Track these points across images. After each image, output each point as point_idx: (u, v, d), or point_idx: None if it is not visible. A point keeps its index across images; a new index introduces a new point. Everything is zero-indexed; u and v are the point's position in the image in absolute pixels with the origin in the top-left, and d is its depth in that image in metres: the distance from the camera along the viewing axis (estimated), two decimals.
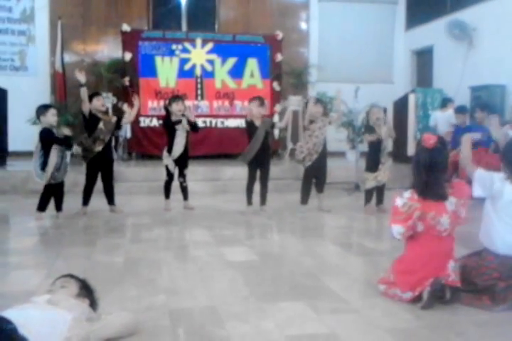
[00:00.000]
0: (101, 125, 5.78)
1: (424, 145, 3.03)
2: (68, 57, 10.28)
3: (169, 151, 6.10)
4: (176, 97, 6.26)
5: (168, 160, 6.12)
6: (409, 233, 3.02)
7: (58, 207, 5.69)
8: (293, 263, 3.98)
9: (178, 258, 4.18)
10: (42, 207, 5.58)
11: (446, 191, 3.03)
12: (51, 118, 5.44)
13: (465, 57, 9.68)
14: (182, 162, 6.16)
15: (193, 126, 6.14)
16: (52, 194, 5.62)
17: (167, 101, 6.23)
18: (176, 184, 6.26)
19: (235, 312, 2.88)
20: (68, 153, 5.71)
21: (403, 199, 3.02)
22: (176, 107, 6.00)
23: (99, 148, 5.79)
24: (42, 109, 5.49)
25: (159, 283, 3.41)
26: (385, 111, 6.45)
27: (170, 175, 6.18)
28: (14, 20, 10.31)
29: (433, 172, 3.01)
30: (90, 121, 5.80)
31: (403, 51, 12.01)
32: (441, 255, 3.01)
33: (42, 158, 5.45)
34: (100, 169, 5.91)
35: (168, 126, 6.08)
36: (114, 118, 5.97)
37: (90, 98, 5.79)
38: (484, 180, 3.09)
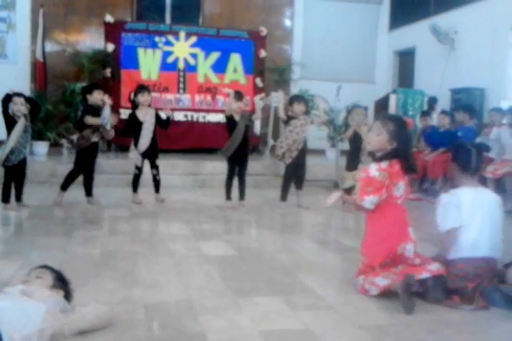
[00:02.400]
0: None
1: (407, 127, 3.41)
2: (50, 46, 10.15)
3: (135, 144, 6.06)
4: (141, 88, 6.18)
5: (133, 153, 6.09)
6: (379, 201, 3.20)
7: (18, 197, 5.57)
8: (270, 259, 3.99)
9: (155, 251, 4.16)
10: (5, 197, 5.48)
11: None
12: (13, 106, 5.35)
13: (446, 59, 9.77)
14: (151, 154, 6.10)
15: (162, 122, 6.13)
16: (12, 179, 5.49)
17: (132, 94, 6.19)
18: (146, 177, 6.20)
19: (210, 307, 2.88)
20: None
21: (374, 169, 3.18)
22: (141, 98, 5.97)
23: (95, 139, 5.77)
24: (6, 98, 5.39)
25: (135, 276, 3.40)
26: (365, 109, 6.51)
27: (138, 169, 6.12)
28: None
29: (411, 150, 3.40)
30: (90, 111, 5.74)
31: (386, 51, 12.09)
32: (400, 222, 3.19)
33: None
34: (89, 159, 5.86)
35: (133, 119, 6.02)
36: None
37: (91, 89, 5.79)
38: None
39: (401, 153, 3.22)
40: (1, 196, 5.50)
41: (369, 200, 3.14)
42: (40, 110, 5.74)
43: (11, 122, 5.37)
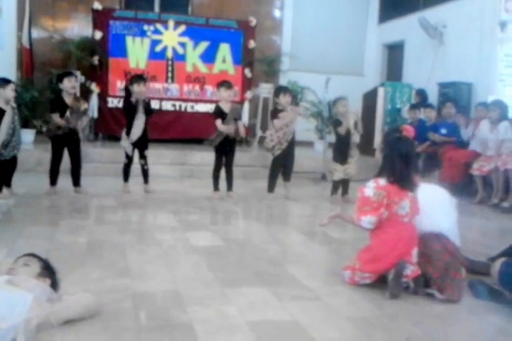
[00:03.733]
0: (67, 114, 5.60)
1: (405, 136, 3.14)
2: (36, 33, 10.00)
3: (128, 134, 6.02)
4: (138, 77, 6.11)
5: (125, 142, 6.03)
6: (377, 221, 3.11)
7: (7, 182, 5.53)
8: (257, 250, 4.01)
9: (142, 241, 4.16)
10: None
11: (417, 181, 3.17)
12: (10, 93, 5.30)
13: (435, 53, 9.80)
14: (141, 144, 6.08)
15: (147, 109, 6.06)
16: (3, 170, 5.44)
17: (129, 82, 6.13)
18: (137, 166, 6.18)
19: (197, 297, 2.89)
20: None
21: (370, 188, 3.09)
22: (137, 88, 5.91)
23: (62, 131, 5.62)
24: (1, 83, 5.32)
25: (122, 266, 3.39)
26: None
27: (129, 158, 6.10)
28: None
29: (411, 163, 3.13)
30: (57, 104, 5.65)
31: (375, 44, 12.09)
32: (405, 241, 3.08)
33: None
34: (66, 147, 5.77)
35: (128, 107, 5.98)
36: (84, 106, 5.80)
37: (61, 77, 5.66)
38: None
39: (394, 170, 3.08)
40: None
41: (366, 220, 3.08)
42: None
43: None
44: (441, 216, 3.23)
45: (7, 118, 5.30)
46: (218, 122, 5.90)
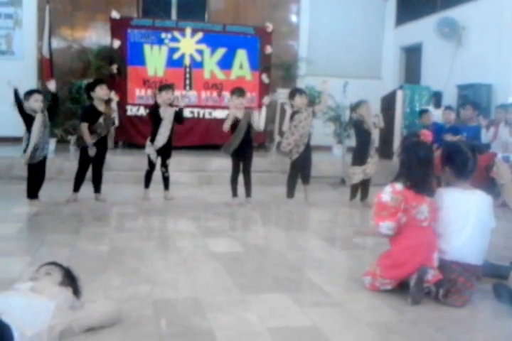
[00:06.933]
0: (101, 120, 5.72)
1: (423, 141, 3.11)
2: (56, 43, 10.16)
3: (152, 141, 6.08)
4: (166, 86, 6.23)
5: (150, 149, 6.09)
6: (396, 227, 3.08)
7: (35, 194, 5.62)
8: (277, 256, 4.00)
9: (162, 248, 4.18)
10: (31, 192, 5.55)
11: (434, 187, 3.14)
12: (33, 104, 5.37)
13: (453, 55, 9.73)
14: (165, 152, 6.15)
15: (178, 117, 6.13)
16: (35, 175, 5.56)
17: (157, 90, 6.22)
18: (157, 173, 6.23)
19: (217, 304, 2.89)
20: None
21: (387, 194, 3.07)
22: (165, 96, 5.98)
23: (93, 140, 5.73)
24: (25, 95, 5.44)
25: (143, 273, 3.41)
26: None
27: (151, 165, 6.16)
28: (1, 3, 10.13)
29: (429, 168, 3.10)
30: (90, 112, 5.75)
31: (392, 47, 12.05)
32: (426, 246, 3.04)
33: (28, 140, 5.44)
34: (95, 156, 5.84)
35: (154, 115, 6.06)
36: (113, 114, 5.91)
37: (94, 85, 5.78)
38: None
39: (411, 174, 3.07)
40: (26, 193, 5.56)
41: (385, 226, 3.05)
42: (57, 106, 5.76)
43: (29, 119, 5.40)
44: (459, 243, 3.05)
45: (37, 124, 5.40)
46: (225, 124, 5.92)
